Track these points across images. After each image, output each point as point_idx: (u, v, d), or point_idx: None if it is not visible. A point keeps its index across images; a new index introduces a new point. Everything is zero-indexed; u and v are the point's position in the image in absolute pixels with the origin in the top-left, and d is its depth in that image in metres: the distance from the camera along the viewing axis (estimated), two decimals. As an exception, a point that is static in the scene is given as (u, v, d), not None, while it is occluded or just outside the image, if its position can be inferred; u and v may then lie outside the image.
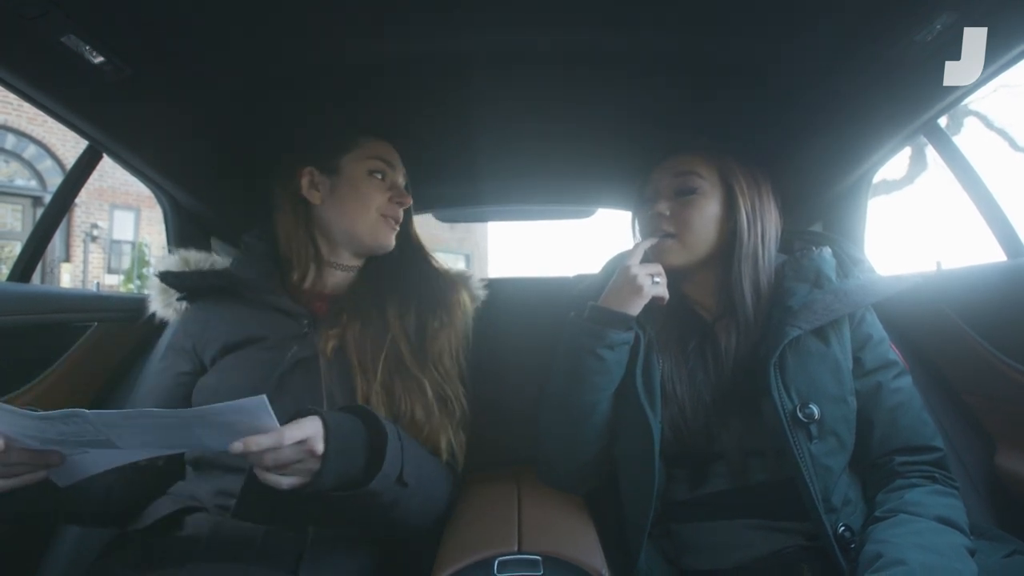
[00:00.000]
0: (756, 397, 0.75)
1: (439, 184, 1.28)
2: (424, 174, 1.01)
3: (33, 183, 7.42)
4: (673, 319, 0.85)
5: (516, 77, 0.93)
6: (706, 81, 0.93)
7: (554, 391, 0.83)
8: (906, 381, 0.79)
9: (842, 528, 0.71)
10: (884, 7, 0.71)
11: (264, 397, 0.53)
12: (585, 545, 0.71)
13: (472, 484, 0.89)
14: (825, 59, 0.82)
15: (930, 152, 3.20)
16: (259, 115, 0.98)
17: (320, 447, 0.59)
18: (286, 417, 0.60)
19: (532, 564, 0.66)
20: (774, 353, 0.73)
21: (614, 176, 1.28)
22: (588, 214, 1.58)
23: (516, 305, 1.08)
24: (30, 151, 7.35)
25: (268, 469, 0.58)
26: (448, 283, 0.93)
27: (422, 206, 1.31)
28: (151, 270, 1.13)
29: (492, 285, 1.01)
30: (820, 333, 0.76)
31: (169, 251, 0.95)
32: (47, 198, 6.61)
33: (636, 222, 0.93)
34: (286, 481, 0.59)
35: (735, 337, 0.81)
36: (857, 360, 0.78)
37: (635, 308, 0.79)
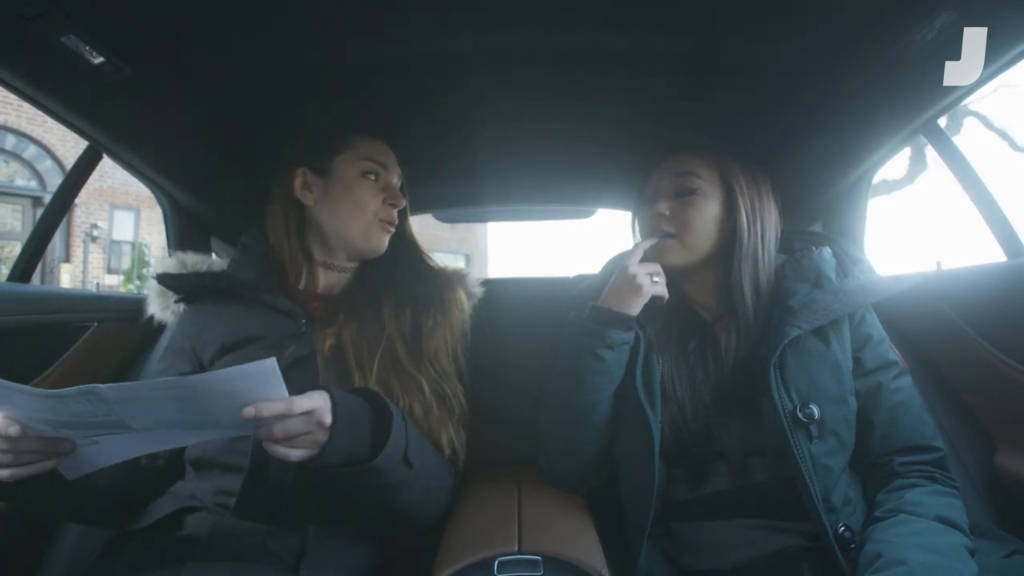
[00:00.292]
0: (756, 397, 0.76)
1: (439, 184, 1.28)
2: (424, 174, 1.01)
3: (33, 183, 7.43)
4: (673, 319, 0.85)
5: (516, 77, 0.93)
6: (706, 81, 0.93)
7: (554, 391, 0.83)
8: (906, 381, 0.79)
9: (842, 528, 0.71)
10: (884, 7, 0.71)
11: (274, 360, 0.53)
12: (585, 545, 0.71)
13: (472, 484, 0.89)
14: (825, 59, 0.82)
15: (930, 152, 3.21)
16: (259, 115, 0.98)
17: (328, 419, 0.59)
18: None
19: (532, 564, 0.66)
20: (774, 353, 0.73)
21: (614, 176, 1.28)
22: (588, 214, 1.57)
23: (516, 305, 1.08)
24: (30, 151, 7.36)
25: (276, 441, 0.58)
26: (444, 281, 0.93)
27: (421, 206, 1.31)
28: (151, 270, 1.13)
29: (492, 285, 1.01)
30: (820, 333, 0.76)
31: (168, 253, 0.95)
32: (47, 198, 6.61)
33: (636, 222, 0.93)
34: (295, 453, 0.59)
35: (735, 337, 0.81)
36: (857, 360, 0.78)
37: (635, 308, 0.79)
